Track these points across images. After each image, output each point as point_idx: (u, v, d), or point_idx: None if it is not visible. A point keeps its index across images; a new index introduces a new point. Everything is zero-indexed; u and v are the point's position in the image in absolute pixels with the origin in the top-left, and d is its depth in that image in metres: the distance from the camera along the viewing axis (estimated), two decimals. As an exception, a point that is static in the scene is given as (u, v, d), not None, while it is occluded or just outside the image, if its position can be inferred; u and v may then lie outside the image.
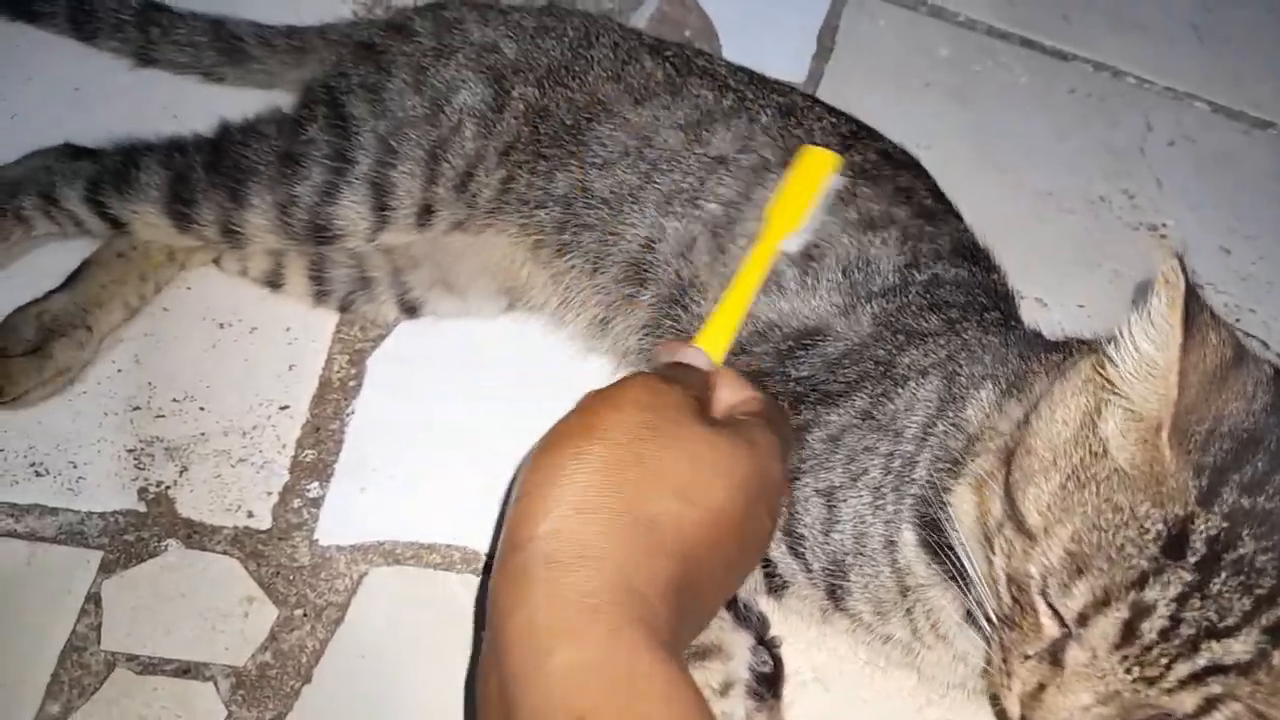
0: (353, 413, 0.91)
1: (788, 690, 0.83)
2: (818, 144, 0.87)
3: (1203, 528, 0.53)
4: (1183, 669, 0.53)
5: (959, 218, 0.94)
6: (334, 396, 0.92)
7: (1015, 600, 0.61)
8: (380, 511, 0.87)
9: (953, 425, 0.73)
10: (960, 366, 0.76)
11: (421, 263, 0.94)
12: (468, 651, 0.81)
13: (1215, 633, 0.53)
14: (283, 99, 0.99)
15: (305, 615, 0.81)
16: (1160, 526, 0.54)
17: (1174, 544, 0.53)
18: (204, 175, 0.87)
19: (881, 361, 0.79)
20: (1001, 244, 0.96)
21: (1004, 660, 0.62)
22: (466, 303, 0.96)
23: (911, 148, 1.01)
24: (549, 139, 0.90)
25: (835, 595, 0.76)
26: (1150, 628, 0.53)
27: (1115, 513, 0.56)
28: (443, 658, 0.80)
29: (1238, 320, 1.19)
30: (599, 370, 0.97)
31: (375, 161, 0.87)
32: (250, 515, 0.85)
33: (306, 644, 0.80)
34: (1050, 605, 0.58)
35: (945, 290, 0.82)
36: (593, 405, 0.56)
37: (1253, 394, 0.58)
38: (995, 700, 0.80)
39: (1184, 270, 0.56)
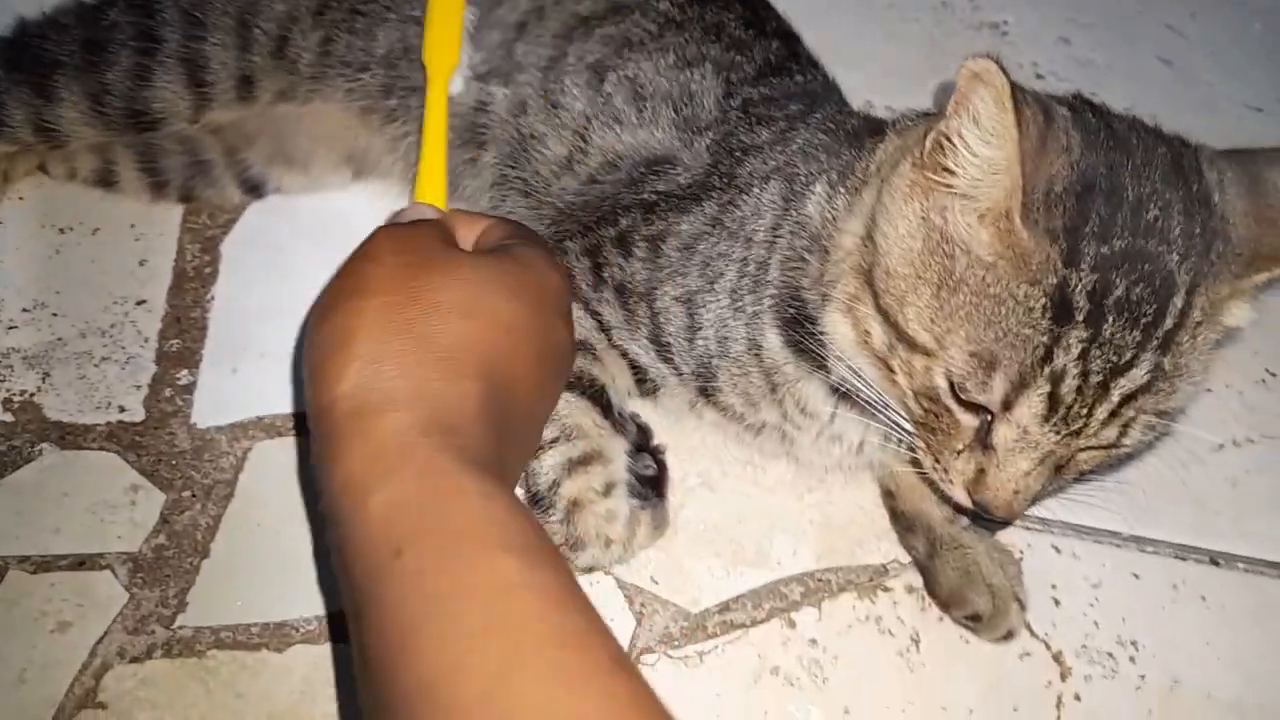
0: (212, 298, 0.91)
1: (676, 495, 0.87)
2: None
3: (1078, 286, 0.57)
4: (1102, 411, 0.59)
5: (780, 37, 0.94)
6: (191, 285, 0.91)
7: (927, 410, 0.65)
8: (255, 389, 0.87)
9: (796, 224, 0.75)
10: (797, 167, 0.78)
11: (255, 139, 0.92)
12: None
13: (1119, 370, 0.58)
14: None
15: (194, 496, 0.82)
16: (1043, 300, 0.58)
17: (1060, 310, 0.58)
18: (5, 74, 0.84)
19: (724, 174, 0.81)
20: (850, 57, 0.98)
21: (936, 461, 0.67)
22: (310, 176, 0.95)
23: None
24: (362, -6, 0.88)
25: (706, 393, 0.79)
26: (1068, 390, 0.59)
27: (998, 304, 0.59)
28: (336, 515, 0.82)
29: (1077, 103, 1.23)
30: (457, 226, 0.97)
31: (183, 36, 0.85)
32: (122, 410, 0.85)
33: (199, 522, 0.81)
34: (963, 403, 0.63)
35: (761, 107, 0.84)
36: (351, 267, 0.57)
37: (1067, 144, 0.61)
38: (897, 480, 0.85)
39: (1001, 67, 0.58)
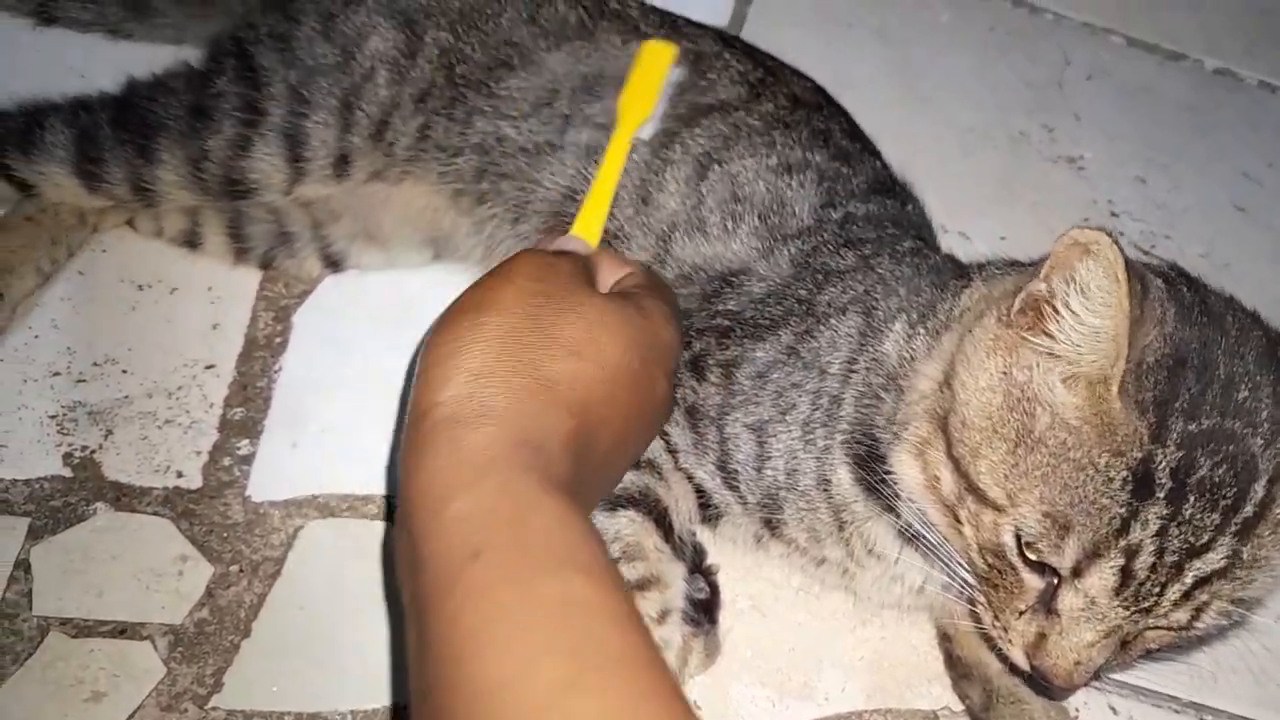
0: (280, 369, 0.91)
1: (726, 617, 0.85)
2: (725, 86, 0.88)
3: (1163, 463, 0.57)
4: (1174, 592, 0.58)
5: (876, 155, 0.95)
6: (260, 354, 0.91)
7: (990, 565, 0.64)
8: (313, 466, 0.86)
9: (874, 360, 0.74)
10: (876, 301, 0.78)
11: (342, 215, 0.93)
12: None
13: (1195, 551, 0.57)
14: (192, 54, 0.97)
15: (241, 571, 0.81)
16: (1125, 473, 0.57)
17: (1142, 484, 0.57)
18: (111, 133, 0.85)
19: (803, 300, 0.80)
20: (925, 180, 0.97)
21: (995, 618, 0.65)
22: (390, 254, 0.96)
23: (835, 87, 1.02)
24: (464, 85, 0.89)
25: (771, 525, 0.78)
26: (1142, 565, 0.57)
27: (1078, 470, 0.58)
28: (381, 607, 0.81)
29: (1153, 246, 1.23)
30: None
31: (288, 112, 0.86)
32: (180, 475, 0.84)
33: (244, 599, 0.80)
34: (1029, 563, 0.61)
35: (858, 227, 0.83)
36: (486, 281, 0.61)
37: (1162, 315, 0.61)
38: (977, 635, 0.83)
39: (1113, 239, 0.57)
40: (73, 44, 1.02)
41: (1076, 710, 0.87)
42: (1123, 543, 0.57)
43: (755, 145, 0.87)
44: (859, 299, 0.78)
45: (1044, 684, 0.65)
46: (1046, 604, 0.62)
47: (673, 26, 0.94)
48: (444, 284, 0.97)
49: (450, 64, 0.89)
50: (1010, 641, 0.65)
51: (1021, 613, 0.63)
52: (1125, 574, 0.58)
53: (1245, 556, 0.57)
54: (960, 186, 1.22)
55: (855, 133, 0.94)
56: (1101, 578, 0.58)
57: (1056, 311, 0.60)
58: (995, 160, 1.29)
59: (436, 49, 0.89)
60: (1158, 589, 0.58)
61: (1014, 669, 0.70)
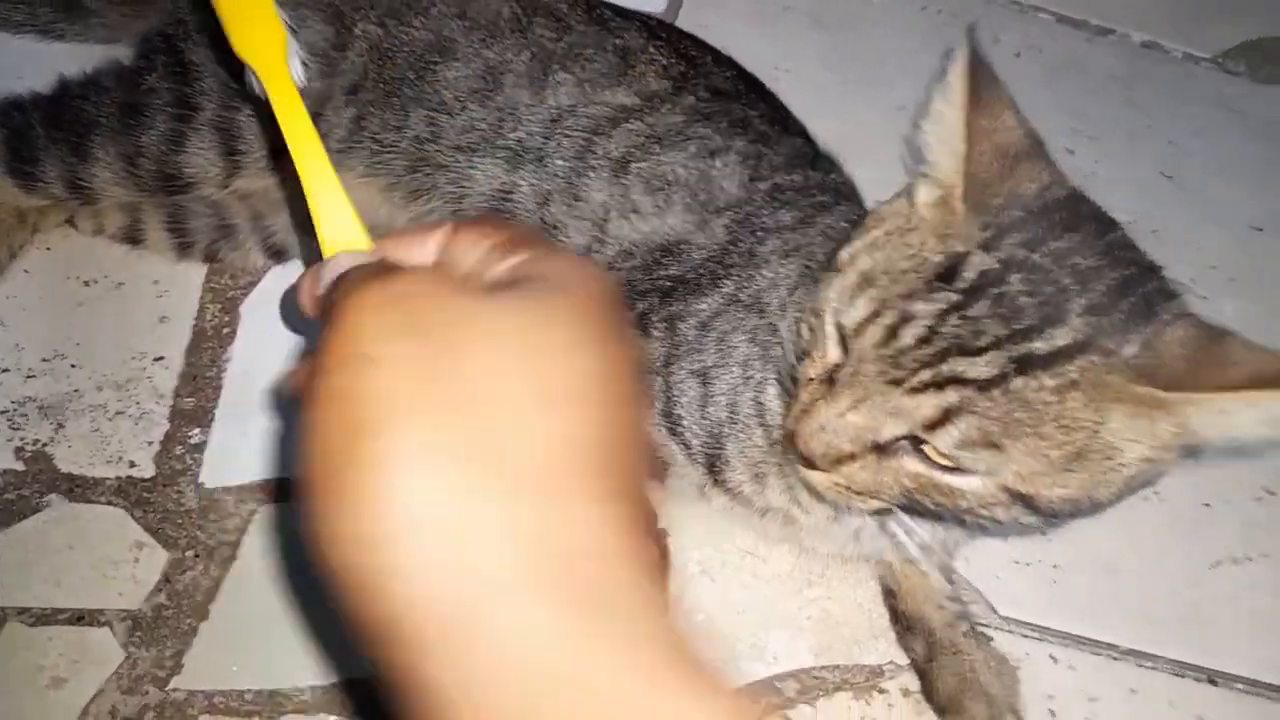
0: (229, 359, 0.92)
1: (676, 582, 0.87)
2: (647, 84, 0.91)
3: (976, 263, 0.58)
4: (927, 374, 0.57)
5: (801, 134, 0.98)
6: (209, 345, 0.93)
7: (812, 330, 0.64)
8: (264, 451, 0.88)
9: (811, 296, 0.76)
10: (816, 249, 0.80)
11: (282, 206, 0.94)
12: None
13: (964, 350, 0.56)
14: (125, 54, 0.97)
15: (197, 556, 0.82)
16: (939, 259, 0.58)
17: (948, 273, 0.58)
18: (43, 132, 0.86)
19: (744, 253, 0.83)
20: (859, 159, 1.00)
21: (796, 397, 0.65)
22: (334, 244, 0.96)
23: (771, 70, 1.05)
24: (397, 78, 0.90)
25: (714, 468, 0.80)
26: (909, 333, 0.57)
27: (906, 249, 0.60)
28: (337, 584, 0.82)
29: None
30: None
31: (219, 106, 0.87)
32: (132, 465, 0.85)
33: (200, 583, 0.81)
34: (838, 329, 0.62)
35: (788, 194, 0.86)
36: (329, 395, 0.35)
37: (1048, 186, 0.62)
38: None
39: (971, 39, 0.60)
40: (6, 46, 1.02)
41: (1018, 661, 0.90)
42: (902, 305, 0.58)
43: (674, 140, 0.89)
44: (800, 247, 0.81)
45: (795, 456, 0.63)
46: (831, 379, 0.62)
47: (600, 21, 0.95)
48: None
49: (382, 56, 0.90)
50: (791, 414, 0.64)
51: (811, 380, 0.63)
52: (891, 332, 0.58)
53: (1014, 392, 0.55)
54: (893, 163, 1.25)
55: (776, 118, 0.96)
56: (873, 332, 0.59)
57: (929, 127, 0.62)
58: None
59: (366, 42, 0.90)
60: (915, 364, 0.57)
61: (785, 447, 0.67)
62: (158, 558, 0.81)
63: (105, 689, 0.75)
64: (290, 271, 0.98)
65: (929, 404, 0.57)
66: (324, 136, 0.89)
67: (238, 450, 0.88)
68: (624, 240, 0.88)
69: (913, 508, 0.64)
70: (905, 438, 0.59)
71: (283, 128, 0.51)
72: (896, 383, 0.58)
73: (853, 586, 0.91)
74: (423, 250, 0.44)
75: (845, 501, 0.64)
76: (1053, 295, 0.57)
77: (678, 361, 0.80)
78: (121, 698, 0.75)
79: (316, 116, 0.90)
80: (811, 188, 0.87)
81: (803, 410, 0.62)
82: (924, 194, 0.62)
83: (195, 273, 0.97)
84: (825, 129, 1.02)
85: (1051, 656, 0.91)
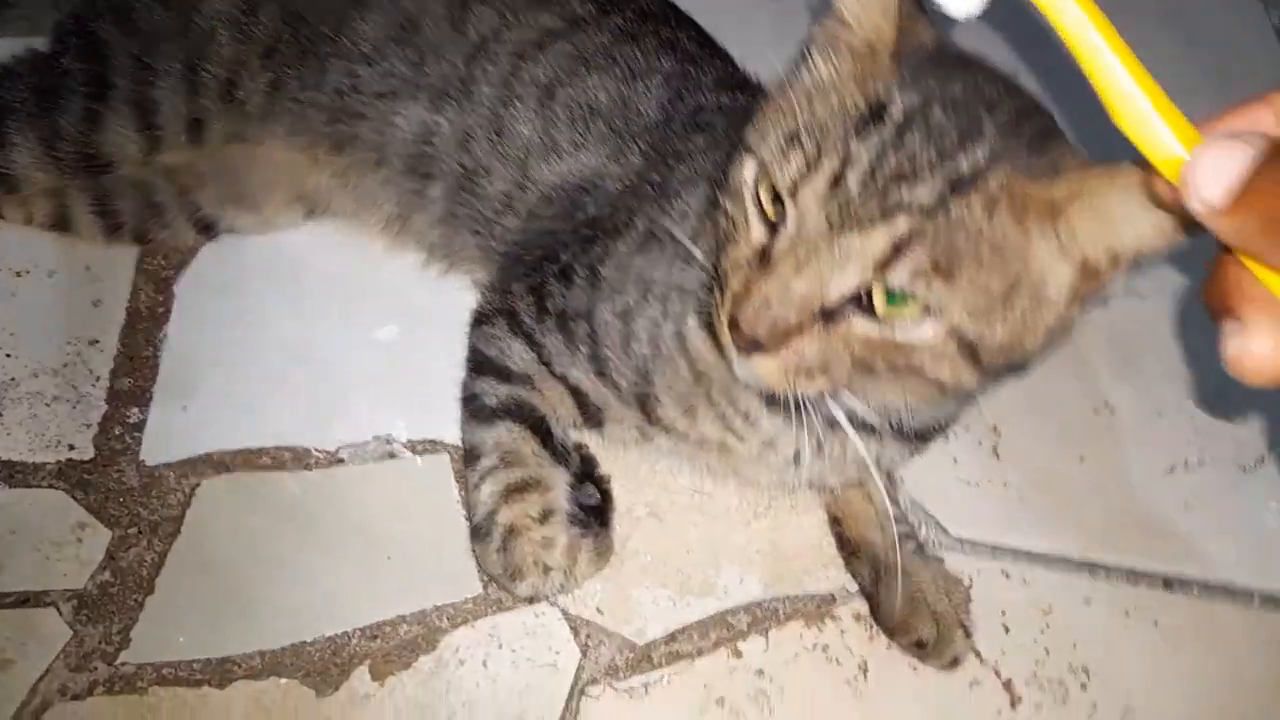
0: (165, 337, 0.92)
1: (623, 526, 0.88)
2: (572, 7, 0.90)
3: (900, 100, 0.58)
4: (874, 207, 0.56)
5: (728, 60, 0.97)
6: (144, 325, 0.93)
7: (731, 218, 0.63)
8: (205, 426, 0.88)
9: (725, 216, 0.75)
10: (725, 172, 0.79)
11: (207, 180, 0.94)
12: (307, 545, 0.84)
13: (906, 179, 0.56)
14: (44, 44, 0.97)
15: (140, 533, 0.83)
16: (865, 105, 0.58)
17: (877, 112, 0.58)
18: None
19: (656, 184, 0.82)
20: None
21: (721, 300, 0.62)
22: (263, 215, 0.97)
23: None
24: (311, 36, 0.90)
25: (646, 407, 0.80)
26: (853, 176, 0.57)
27: (828, 106, 0.59)
28: (280, 553, 0.83)
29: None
30: (409, 265, 0.99)
31: (133, 82, 0.87)
32: (72, 448, 0.85)
33: (145, 558, 0.82)
34: (760, 205, 0.61)
35: (708, 115, 0.85)
36: None
37: (936, 38, 0.62)
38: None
39: None
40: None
41: (970, 579, 0.90)
42: (842, 151, 0.57)
43: (600, 61, 0.89)
44: (708, 172, 0.80)
45: (739, 349, 0.61)
46: (764, 258, 0.60)
47: None
48: (325, 241, 1.00)
49: (295, 17, 0.90)
50: (722, 305, 0.62)
51: (739, 268, 0.62)
52: (836, 179, 0.57)
53: (954, 213, 0.56)
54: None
55: (705, 40, 0.96)
56: (815, 184, 0.57)
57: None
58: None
59: (277, 4, 0.89)
60: (862, 202, 0.56)
61: (720, 349, 0.66)
62: (101, 537, 0.82)
63: (53, 667, 0.76)
64: (222, 247, 0.98)
65: (880, 237, 0.56)
66: (242, 103, 0.91)
67: (178, 427, 0.88)
68: (544, 184, 0.87)
69: (860, 384, 0.63)
70: (853, 296, 0.58)
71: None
72: (845, 227, 0.57)
73: (800, 517, 0.91)
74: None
75: (793, 388, 0.62)
76: (969, 119, 0.57)
77: (600, 304, 0.80)
78: (70, 675, 0.76)
79: (231, 84, 0.90)
80: (736, 110, 0.86)
81: (738, 295, 0.60)
82: (838, 54, 0.61)
83: (127, 256, 0.96)
84: (747, 56, 1.00)
85: (1004, 572, 0.91)
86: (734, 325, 0.60)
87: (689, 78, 0.89)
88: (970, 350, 0.58)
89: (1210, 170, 0.39)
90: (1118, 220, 0.54)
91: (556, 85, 0.88)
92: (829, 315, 0.59)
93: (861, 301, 0.58)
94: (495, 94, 0.88)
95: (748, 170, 0.61)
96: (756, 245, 0.61)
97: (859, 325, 0.58)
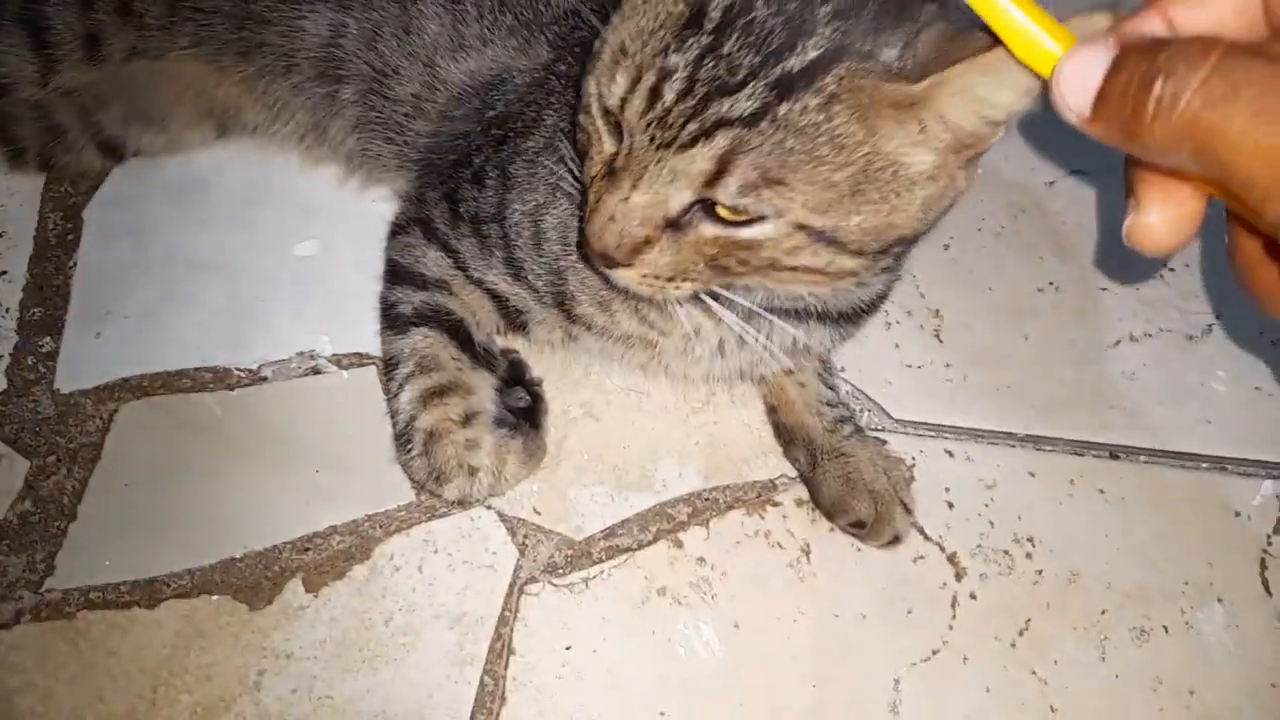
0: (75, 265, 0.90)
1: (559, 427, 0.86)
2: None
3: (718, 1, 0.54)
4: (694, 126, 0.54)
5: None
6: (54, 253, 0.90)
7: (586, 130, 0.62)
8: (121, 351, 0.86)
9: None
10: None
11: (110, 100, 0.91)
12: (233, 463, 0.82)
13: (725, 89, 0.54)
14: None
15: (59, 461, 0.81)
16: (683, 8, 0.55)
17: (694, 19, 0.55)
18: None
19: (564, 76, 0.79)
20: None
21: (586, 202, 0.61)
22: (170, 135, 0.94)
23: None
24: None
25: (564, 306, 0.78)
26: (669, 89, 0.55)
27: (654, 18, 0.57)
28: (206, 473, 0.81)
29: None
30: (328, 179, 0.96)
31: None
32: (-17, 381, 0.83)
33: (66, 486, 0.80)
34: (607, 122, 0.59)
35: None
36: None
37: None
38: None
39: None
40: None
41: (913, 459, 0.89)
42: (660, 63, 0.55)
43: None
44: None
45: (599, 262, 0.61)
46: (612, 170, 0.59)
47: None
48: (236, 159, 0.96)
49: None
50: (584, 220, 0.61)
51: (594, 180, 0.60)
52: (654, 94, 0.55)
53: (781, 119, 0.53)
54: None
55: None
56: (636, 101, 0.56)
57: None
58: None
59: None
60: (681, 119, 0.54)
61: (586, 259, 0.67)
62: (18, 467, 0.80)
63: (-25, 598, 0.75)
64: (132, 171, 0.95)
65: (703, 156, 0.54)
66: (140, 16, 0.87)
67: (93, 353, 0.86)
68: (454, 85, 0.85)
69: (729, 283, 0.62)
70: (694, 204, 0.56)
71: None
72: (668, 145, 0.55)
73: (740, 410, 0.90)
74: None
75: (659, 294, 0.62)
76: (798, 8, 0.53)
77: (512, 203, 0.77)
78: (-6, 605, 0.75)
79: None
80: None
81: (590, 209, 0.59)
82: None
83: (34, 184, 0.94)
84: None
85: (947, 451, 0.90)
86: (584, 240, 0.59)
87: None
88: (829, 240, 0.56)
89: (1070, 81, 0.40)
90: (986, 97, 0.51)
91: None
92: (675, 225, 0.57)
93: (707, 205, 0.56)
94: None
95: (591, 83, 0.59)
96: (606, 158, 0.59)
97: (706, 229, 0.57)
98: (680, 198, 0.56)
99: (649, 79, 0.55)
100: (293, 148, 0.95)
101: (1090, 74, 0.39)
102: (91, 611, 0.75)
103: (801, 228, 0.55)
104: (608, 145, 0.59)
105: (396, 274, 0.83)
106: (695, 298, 0.67)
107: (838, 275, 0.59)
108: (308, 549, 0.79)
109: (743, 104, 0.53)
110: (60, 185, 0.93)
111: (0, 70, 0.85)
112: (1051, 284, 1.02)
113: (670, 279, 0.60)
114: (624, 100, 0.56)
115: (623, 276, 0.61)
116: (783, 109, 0.53)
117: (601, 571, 0.81)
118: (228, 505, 0.81)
